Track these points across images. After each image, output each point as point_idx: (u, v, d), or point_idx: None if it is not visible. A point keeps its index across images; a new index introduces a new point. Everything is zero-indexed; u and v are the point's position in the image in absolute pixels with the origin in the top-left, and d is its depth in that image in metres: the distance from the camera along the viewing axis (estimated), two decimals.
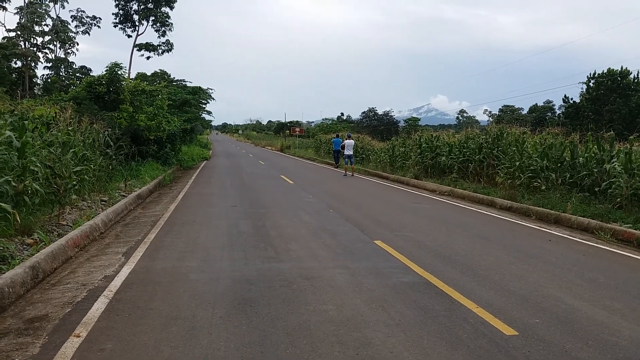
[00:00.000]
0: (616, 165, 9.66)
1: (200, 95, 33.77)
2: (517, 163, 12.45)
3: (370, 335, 3.89)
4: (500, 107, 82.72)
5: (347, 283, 5.31)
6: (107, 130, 13.35)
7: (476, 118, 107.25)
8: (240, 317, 4.31)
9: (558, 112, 59.50)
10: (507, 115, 71.76)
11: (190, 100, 31.05)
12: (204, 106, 36.29)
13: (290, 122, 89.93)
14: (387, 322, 4.20)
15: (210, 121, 61.09)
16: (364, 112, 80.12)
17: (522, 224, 9.18)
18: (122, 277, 5.40)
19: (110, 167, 12.80)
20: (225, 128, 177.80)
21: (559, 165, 11.40)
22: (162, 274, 5.60)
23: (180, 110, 27.97)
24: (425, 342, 3.79)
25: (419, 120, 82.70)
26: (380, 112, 77.66)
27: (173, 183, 16.90)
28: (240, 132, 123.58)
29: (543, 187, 11.20)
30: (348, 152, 20.38)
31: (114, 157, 13.53)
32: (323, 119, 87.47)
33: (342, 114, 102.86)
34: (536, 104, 73.83)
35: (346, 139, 21.18)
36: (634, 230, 7.69)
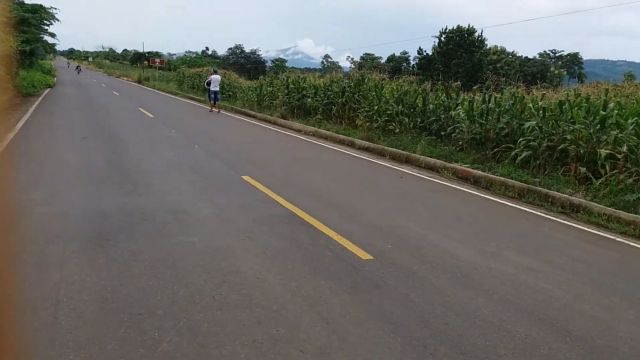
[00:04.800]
0: (460, 112, 10.77)
1: (41, 15, 29.24)
2: (376, 107, 13.19)
3: (237, 264, 3.94)
4: (362, 55, 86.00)
5: (213, 216, 5.26)
6: None
7: (339, 64, 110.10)
8: (96, 251, 4.03)
9: (412, 62, 63.83)
10: (368, 63, 74.88)
11: (29, 19, 26.75)
12: (46, 27, 31.60)
13: (149, 52, 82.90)
14: (254, 251, 4.28)
15: (54, 45, 53.64)
16: (230, 49, 77.01)
17: (377, 162, 9.88)
18: None
19: None
20: (72, 54, 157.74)
21: (412, 110, 12.34)
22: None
23: (17, 30, 24.01)
24: (290, 268, 3.96)
25: (286, 61, 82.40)
26: (247, 50, 75.41)
27: (10, 111, 14.70)
28: (90, 59, 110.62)
29: (397, 130, 12.10)
30: (214, 88, 19.58)
31: None
32: (186, 52, 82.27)
33: (207, 48, 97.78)
34: (394, 54, 78.20)
35: (212, 74, 20.28)
36: (471, 169, 8.78)
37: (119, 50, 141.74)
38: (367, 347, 2.86)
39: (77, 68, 61.72)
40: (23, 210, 4.92)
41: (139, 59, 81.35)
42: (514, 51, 61.77)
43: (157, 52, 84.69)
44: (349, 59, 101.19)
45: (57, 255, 3.88)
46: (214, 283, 3.57)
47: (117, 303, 3.18)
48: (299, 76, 19.59)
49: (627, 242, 5.54)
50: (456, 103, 11.37)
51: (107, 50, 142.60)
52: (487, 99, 10.42)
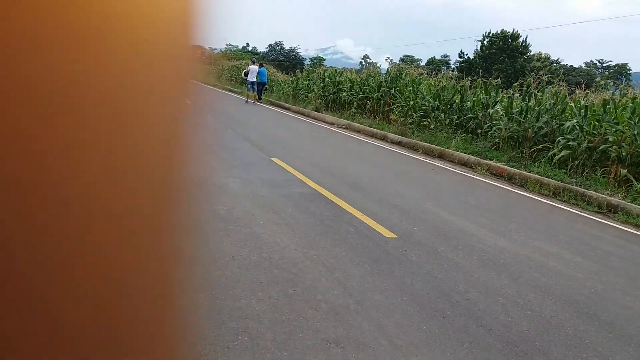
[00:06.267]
0: (499, 109, 10.51)
1: None
2: (411, 103, 13.03)
3: (258, 231, 3.94)
4: (401, 57, 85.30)
5: (240, 190, 5.29)
6: None
7: (379, 64, 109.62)
8: None
9: (453, 66, 62.86)
10: (407, 65, 74.38)
11: None
12: None
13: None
14: (277, 221, 4.28)
15: None
16: (270, 45, 77.84)
17: (409, 155, 9.75)
18: None
19: None
20: None
21: (449, 107, 12.12)
22: None
23: None
24: (311, 238, 3.94)
25: (325, 60, 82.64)
26: (287, 47, 76.03)
27: None
28: None
29: (432, 126, 11.91)
30: (251, 78, 19.77)
31: None
32: (227, 44, 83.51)
33: (248, 44, 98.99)
34: (434, 56, 77.19)
35: (250, 65, 20.48)
36: (506, 167, 8.54)
37: None
38: (384, 312, 2.81)
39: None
40: None
41: None
42: (558, 59, 60.08)
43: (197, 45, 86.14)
44: (388, 60, 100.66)
45: None
46: (235, 245, 3.58)
47: None
48: (335, 70, 19.59)
49: None
50: (495, 101, 11.11)
51: None
52: (527, 97, 10.14)
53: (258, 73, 19.58)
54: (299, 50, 76.61)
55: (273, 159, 7.36)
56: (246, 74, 20.32)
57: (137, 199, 0.29)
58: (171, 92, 0.31)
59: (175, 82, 0.31)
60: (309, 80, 20.69)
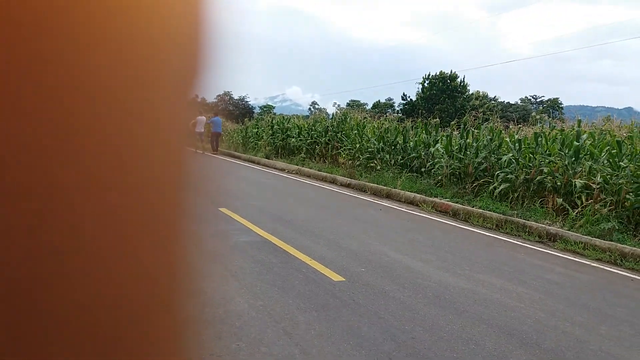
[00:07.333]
0: (439, 148, 10.94)
1: None
2: (357, 145, 13.36)
3: (203, 286, 3.81)
4: (348, 102, 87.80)
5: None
6: None
7: (327, 110, 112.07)
8: None
9: (397, 108, 65.26)
10: (354, 109, 76.47)
11: None
12: None
13: None
14: (223, 273, 4.19)
15: None
16: (219, 95, 78.28)
17: (358, 197, 9.90)
18: None
19: None
20: None
21: (393, 147, 12.50)
22: None
23: None
24: (258, 289, 3.87)
25: (274, 108, 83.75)
26: (235, 97, 76.71)
27: None
28: None
29: (378, 167, 12.20)
30: (199, 129, 19.74)
31: None
32: None
33: (197, 95, 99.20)
34: (379, 100, 79.96)
35: (198, 116, 20.41)
36: (450, 202, 8.82)
37: None
38: (330, 359, 2.77)
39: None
40: None
41: None
42: (495, 96, 63.61)
43: None
44: (335, 105, 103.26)
45: None
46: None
47: None
48: (283, 117, 19.90)
49: (602, 267, 5.54)
50: (435, 140, 11.57)
51: None
52: (464, 135, 10.63)
53: (212, 122, 19.63)
54: (248, 99, 77.16)
55: (221, 209, 7.26)
56: (194, 125, 20.25)
57: (145, 198, 0.28)
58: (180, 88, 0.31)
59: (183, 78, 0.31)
60: (257, 128, 20.88)
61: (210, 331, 3.02)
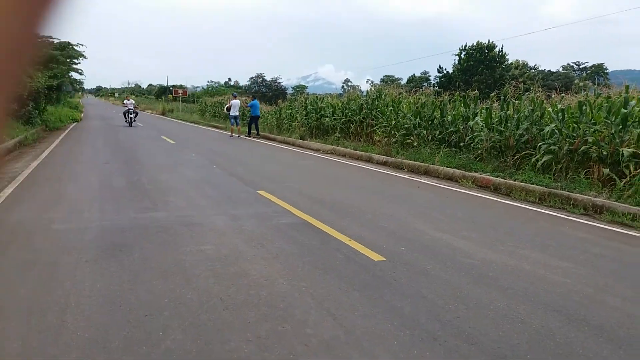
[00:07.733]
0: (479, 121, 10.66)
1: (69, 52, 30.45)
2: (393, 122, 13.19)
3: (246, 268, 3.93)
4: (382, 77, 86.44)
5: (227, 226, 5.28)
6: None
7: (360, 87, 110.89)
8: (109, 260, 4.09)
9: (433, 82, 63.76)
10: (388, 85, 75.32)
11: (57, 56, 27.89)
12: (77, 64, 32.83)
13: (174, 85, 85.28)
14: (265, 256, 4.27)
15: (81, 82, 55.58)
16: (252, 78, 78.66)
17: (395, 175, 9.81)
18: None
19: None
20: (99, 91, 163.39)
21: (430, 123, 12.27)
22: (19, 225, 5.09)
23: (45, 68, 25.06)
24: (299, 270, 3.93)
25: (307, 88, 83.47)
26: (268, 78, 76.81)
27: (37, 143, 15.25)
28: (116, 95, 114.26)
29: (415, 144, 12.03)
30: (234, 113, 19.92)
31: None
32: (208, 82, 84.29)
33: (230, 79, 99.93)
34: (414, 74, 78.39)
35: (232, 99, 20.66)
36: (491, 177, 8.62)
37: (144, 85, 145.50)
38: (375, 339, 2.79)
39: (127, 113, 28.09)
40: (41, 227, 5.04)
41: (163, 93, 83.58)
42: (535, 65, 61.26)
43: (180, 85, 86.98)
44: (369, 82, 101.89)
45: (70, 264, 3.95)
46: (222, 285, 3.56)
47: (125, 305, 3.20)
48: (316, 96, 19.81)
49: None
50: (474, 113, 11.28)
51: (133, 85, 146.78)
52: (505, 107, 10.31)
53: (250, 106, 19.74)
54: (280, 80, 77.39)
55: (259, 191, 7.37)
56: (228, 109, 20.48)
57: None
58: None
59: None
60: (291, 109, 20.88)
61: (256, 314, 3.10)
